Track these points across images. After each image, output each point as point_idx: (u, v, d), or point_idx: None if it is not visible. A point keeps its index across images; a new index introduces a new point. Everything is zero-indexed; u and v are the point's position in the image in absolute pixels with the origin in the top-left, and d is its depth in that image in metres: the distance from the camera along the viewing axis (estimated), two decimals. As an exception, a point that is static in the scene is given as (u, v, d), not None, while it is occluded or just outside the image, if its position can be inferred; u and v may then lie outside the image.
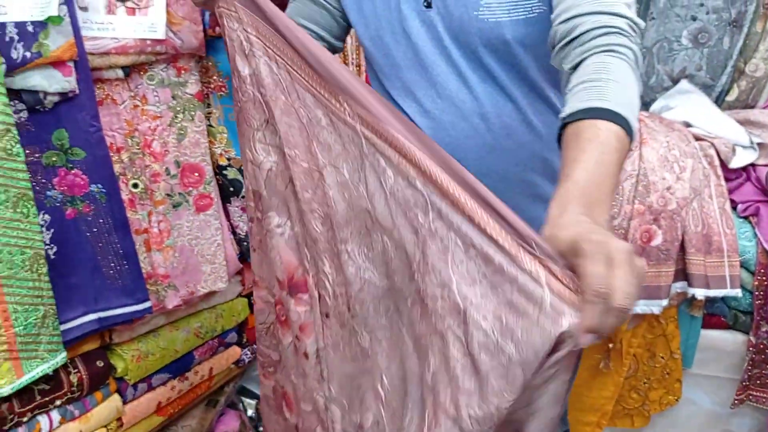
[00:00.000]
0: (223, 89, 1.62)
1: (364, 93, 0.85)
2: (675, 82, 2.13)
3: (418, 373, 0.85)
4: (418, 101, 1.09)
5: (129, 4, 1.35)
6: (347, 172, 0.91)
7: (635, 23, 0.82)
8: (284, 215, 1.08)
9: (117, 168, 1.44)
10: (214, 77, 1.58)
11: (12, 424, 1.35)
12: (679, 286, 1.78)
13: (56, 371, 1.40)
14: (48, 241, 1.34)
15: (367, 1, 1.08)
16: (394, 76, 1.10)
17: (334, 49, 1.22)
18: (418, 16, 1.03)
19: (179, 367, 1.71)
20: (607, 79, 0.74)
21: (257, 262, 1.21)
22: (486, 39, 1.00)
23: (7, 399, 1.32)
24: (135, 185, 1.48)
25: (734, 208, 1.87)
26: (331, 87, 0.88)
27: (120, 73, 1.40)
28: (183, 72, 1.51)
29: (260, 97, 1.02)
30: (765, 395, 1.84)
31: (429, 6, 1.02)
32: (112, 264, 1.45)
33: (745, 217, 1.84)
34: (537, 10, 0.97)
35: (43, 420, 1.41)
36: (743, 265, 1.77)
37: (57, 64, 1.25)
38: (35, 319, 1.30)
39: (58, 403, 1.43)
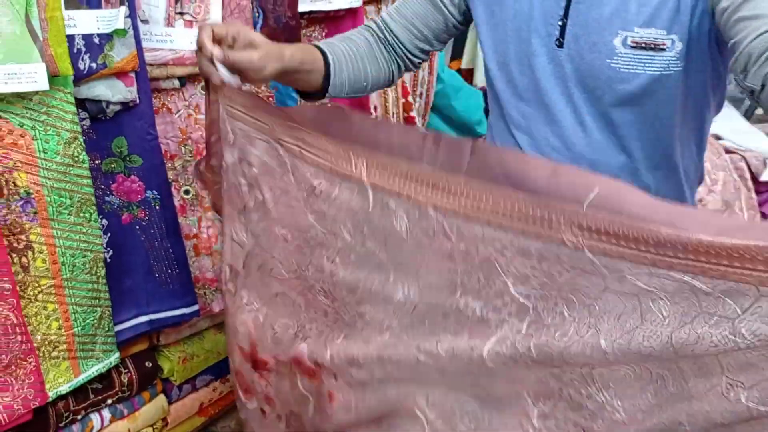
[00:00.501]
0: (270, 99, 1.66)
1: (371, 137, 0.86)
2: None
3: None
4: (532, 135, 1.08)
5: (187, 17, 1.40)
6: (348, 234, 0.89)
7: None
8: (254, 296, 1.10)
9: (170, 175, 1.48)
10: (263, 87, 1.63)
11: (68, 421, 1.40)
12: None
13: (108, 371, 1.45)
14: (105, 245, 1.38)
15: (501, 24, 1.07)
16: (513, 105, 1.10)
17: (431, 48, 1.21)
18: (547, 53, 1.02)
19: (221, 369, 1.75)
20: None
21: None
22: (615, 89, 0.98)
23: (64, 397, 1.37)
24: (186, 191, 1.53)
25: (765, 219, 1.90)
26: (342, 146, 0.88)
27: (176, 83, 1.45)
28: (232, 82, 1.56)
29: (240, 186, 1.05)
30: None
31: (560, 46, 1.00)
32: (164, 268, 1.50)
33: (777, 230, 1.87)
34: (674, 68, 0.95)
35: (95, 418, 1.46)
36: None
37: (120, 74, 1.30)
38: (93, 320, 1.35)
39: (109, 401, 1.48)
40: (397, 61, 1.19)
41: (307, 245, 0.97)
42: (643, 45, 0.95)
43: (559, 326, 0.69)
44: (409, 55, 1.18)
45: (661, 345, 0.62)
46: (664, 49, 0.94)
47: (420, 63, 1.23)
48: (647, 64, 0.95)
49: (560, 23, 1.00)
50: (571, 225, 0.63)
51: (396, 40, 1.17)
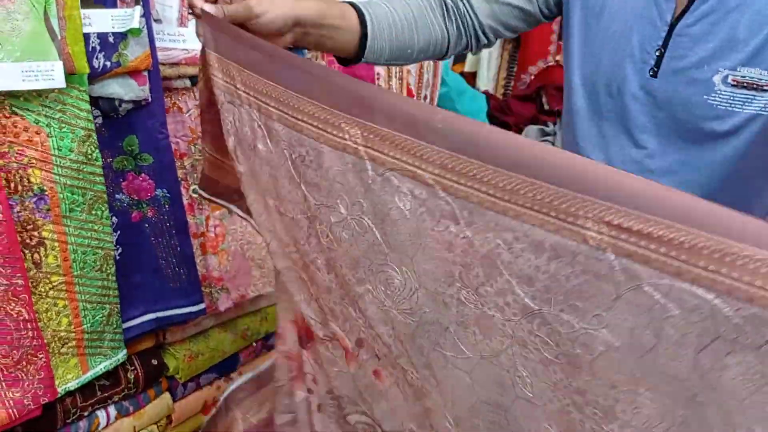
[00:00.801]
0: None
1: (373, 103, 0.74)
2: None
3: (499, 398, 0.75)
4: (609, 156, 1.06)
5: (200, 17, 1.41)
6: (344, 208, 0.81)
7: None
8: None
9: (180, 173, 1.49)
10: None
11: (75, 417, 1.40)
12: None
13: (115, 368, 1.45)
14: (114, 243, 1.39)
15: (595, 40, 1.03)
16: (593, 122, 1.07)
17: (503, 32, 1.13)
18: (639, 80, 1.00)
19: (225, 367, 1.76)
20: None
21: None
22: (708, 124, 0.96)
23: (71, 393, 1.38)
24: (195, 191, 1.54)
25: None
26: (330, 112, 0.78)
27: (188, 82, 1.46)
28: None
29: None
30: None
31: (654, 75, 0.98)
32: (172, 266, 1.50)
33: None
34: None
35: (101, 415, 1.47)
36: None
37: (133, 73, 1.31)
38: (101, 317, 1.36)
39: (115, 398, 1.48)
40: (461, 34, 1.11)
41: (304, 216, 0.88)
42: (745, 84, 0.91)
43: (571, 335, 0.64)
44: (479, 33, 1.11)
45: (687, 367, 0.56)
46: (766, 90, 0.91)
47: (484, 46, 1.15)
48: (746, 104, 0.92)
49: (657, 53, 0.97)
50: (600, 221, 0.57)
51: (470, 11, 1.09)
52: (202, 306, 1.57)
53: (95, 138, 1.26)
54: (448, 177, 0.68)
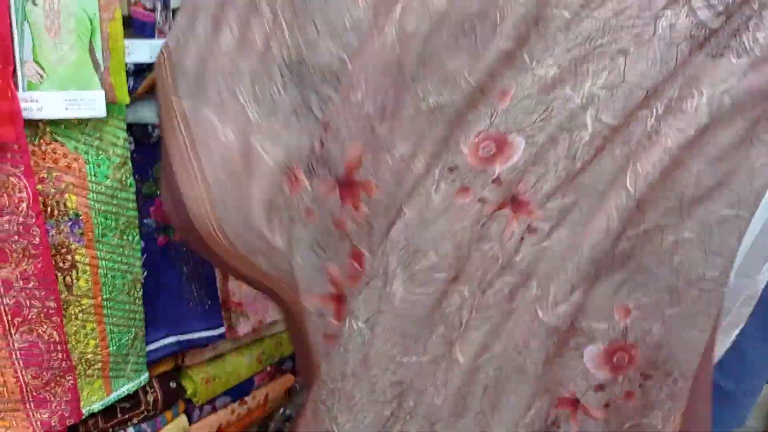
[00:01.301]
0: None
1: None
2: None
3: None
4: None
5: (231, 48, 1.45)
6: None
7: None
8: None
9: (205, 199, 1.52)
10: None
11: (96, 439, 1.42)
12: None
13: (136, 390, 1.47)
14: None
15: None
16: None
17: None
18: None
19: (240, 391, 1.77)
20: None
21: None
22: None
23: (94, 415, 1.39)
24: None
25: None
26: None
27: (217, 111, 1.49)
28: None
29: None
30: None
31: None
32: (194, 290, 1.53)
33: None
34: None
35: (121, 437, 1.48)
36: None
37: (167, 102, 1.34)
38: (127, 340, 1.38)
39: (135, 420, 1.50)
40: None
41: None
42: None
43: None
44: None
45: None
46: None
47: None
48: None
49: None
50: None
51: None
52: (222, 330, 1.59)
53: (130, 165, 1.28)
54: None
